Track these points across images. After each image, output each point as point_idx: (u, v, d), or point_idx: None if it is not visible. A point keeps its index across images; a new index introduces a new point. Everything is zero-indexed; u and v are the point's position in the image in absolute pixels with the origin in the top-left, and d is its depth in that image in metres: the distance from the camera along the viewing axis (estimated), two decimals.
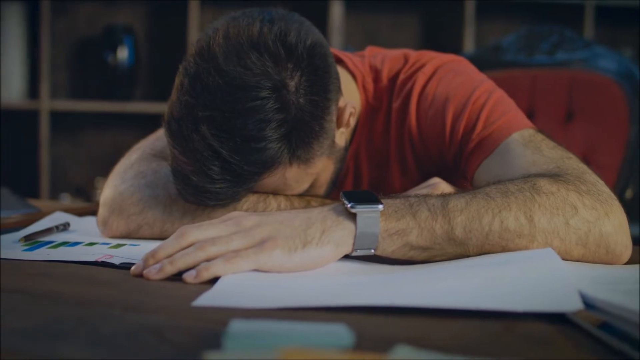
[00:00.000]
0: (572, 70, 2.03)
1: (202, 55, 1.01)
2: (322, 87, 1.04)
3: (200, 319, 0.70)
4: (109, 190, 1.12)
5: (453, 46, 3.14)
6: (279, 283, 0.83)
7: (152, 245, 1.03)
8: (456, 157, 1.17)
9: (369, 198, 0.92)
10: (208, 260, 0.87)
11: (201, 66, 1.01)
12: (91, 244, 1.05)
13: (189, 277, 0.85)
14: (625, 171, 1.90)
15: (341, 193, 0.93)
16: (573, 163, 1.05)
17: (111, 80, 2.99)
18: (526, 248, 0.92)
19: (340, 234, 0.90)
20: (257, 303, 0.74)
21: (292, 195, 1.10)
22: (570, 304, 0.72)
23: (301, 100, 1.01)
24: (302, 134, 1.02)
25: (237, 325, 0.60)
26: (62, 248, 1.01)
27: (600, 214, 0.95)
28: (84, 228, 1.17)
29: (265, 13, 1.04)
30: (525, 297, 0.75)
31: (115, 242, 1.06)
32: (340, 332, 0.58)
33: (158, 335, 0.65)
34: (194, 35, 2.95)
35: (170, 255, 0.88)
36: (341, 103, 1.10)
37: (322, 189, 1.14)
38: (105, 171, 3.08)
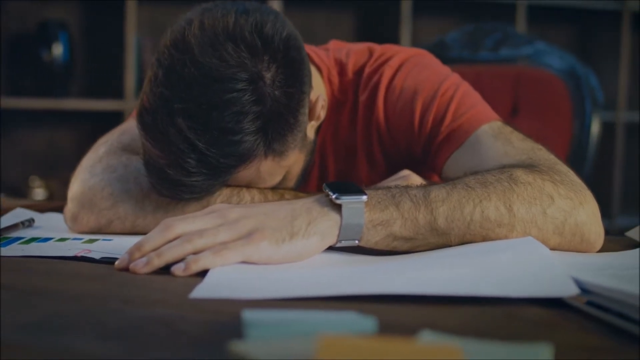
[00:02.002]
0: (516, 66, 2.07)
1: (176, 46, 1.00)
2: (298, 80, 1.03)
3: (204, 310, 0.69)
4: (77, 185, 1.09)
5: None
6: (269, 274, 0.83)
7: (124, 239, 1.02)
8: (425, 150, 1.18)
9: (353, 189, 0.92)
10: (195, 252, 0.86)
11: (176, 57, 0.99)
12: (63, 239, 1.02)
13: (177, 269, 0.84)
14: (570, 165, 1.94)
15: (324, 185, 0.93)
16: (544, 154, 1.07)
17: (46, 77, 2.91)
18: (506, 237, 0.94)
19: (325, 225, 0.89)
20: (257, 294, 0.74)
21: (266, 189, 1.09)
22: (566, 289, 0.73)
23: (277, 92, 1.00)
24: (278, 127, 1.01)
25: (255, 315, 0.59)
26: (34, 244, 0.99)
27: (575, 204, 0.97)
28: (48, 224, 1.14)
29: (238, 4, 1.03)
30: (521, 284, 0.77)
31: (87, 237, 1.04)
32: (363, 318, 0.58)
33: (168, 327, 0.63)
34: (130, 31, 2.90)
35: (156, 248, 0.87)
36: (312, 96, 1.10)
37: (292, 182, 1.14)
38: (40, 170, 3.02)
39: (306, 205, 0.91)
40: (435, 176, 1.23)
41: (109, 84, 3.02)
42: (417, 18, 3.32)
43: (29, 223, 1.10)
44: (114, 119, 2.91)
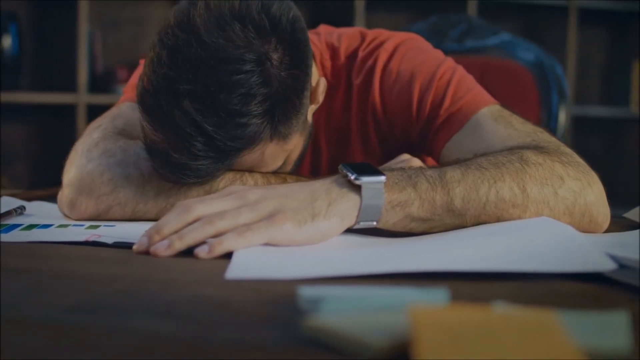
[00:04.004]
0: (483, 57, 2.08)
1: (182, 26, 0.97)
2: (303, 62, 1.02)
3: (248, 290, 0.67)
4: (74, 170, 1.06)
5: None
6: (296, 255, 0.81)
7: (128, 225, 0.99)
8: (422, 133, 1.17)
9: (371, 170, 0.90)
10: (217, 235, 0.83)
11: (181, 38, 0.96)
12: (63, 225, 0.98)
13: (201, 252, 0.81)
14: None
15: (341, 165, 0.91)
16: (546, 136, 1.07)
17: None
18: (519, 217, 0.94)
19: (345, 206, 0.88)
20: (296, 273, 0.72)
21: (268, 173, 1.07)
22: (603, 263, 0.73)
23: (283, 74, 0.98)
24: (284, 109, 0.99)
25: (321, 291, 0.57)
26: (35, 230, 0.95)
27: (584, 184, 0.98)
28: (40, 212, 1.10)
29: None
30: (559, 260, 0.77)
31: (88, 223, 1.00)
32: (434, 291, 0.57)
33: (222, 307, 0.61)
34: (82, 24, 2.83)
35: (176, 231, 0.84)
36: (313, 79, 1.08)
37: (290, 166, 1.12)
38: None
39: (325, 186, 0.89)
40: (431, 160, 1.22)
41: (60, 77, 2.95)
42: (370, 14, 3.32)
43: (21, 210, 1.06)
44: (66, 112, 2.85)
